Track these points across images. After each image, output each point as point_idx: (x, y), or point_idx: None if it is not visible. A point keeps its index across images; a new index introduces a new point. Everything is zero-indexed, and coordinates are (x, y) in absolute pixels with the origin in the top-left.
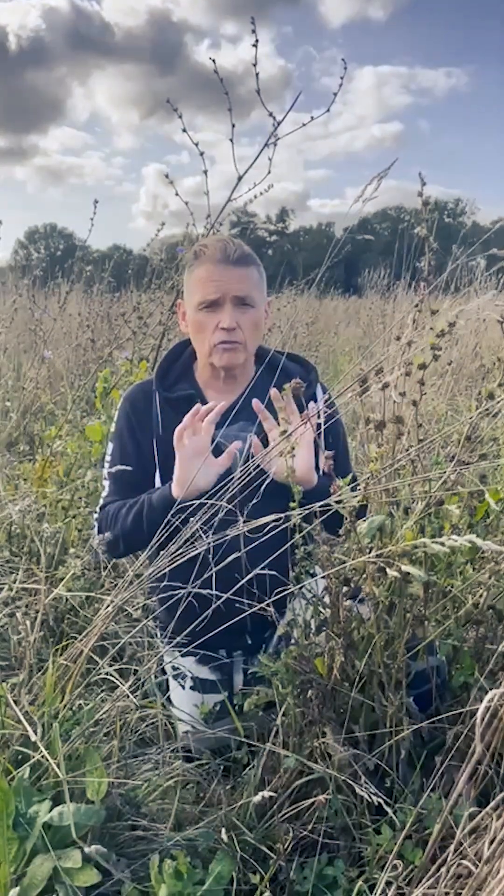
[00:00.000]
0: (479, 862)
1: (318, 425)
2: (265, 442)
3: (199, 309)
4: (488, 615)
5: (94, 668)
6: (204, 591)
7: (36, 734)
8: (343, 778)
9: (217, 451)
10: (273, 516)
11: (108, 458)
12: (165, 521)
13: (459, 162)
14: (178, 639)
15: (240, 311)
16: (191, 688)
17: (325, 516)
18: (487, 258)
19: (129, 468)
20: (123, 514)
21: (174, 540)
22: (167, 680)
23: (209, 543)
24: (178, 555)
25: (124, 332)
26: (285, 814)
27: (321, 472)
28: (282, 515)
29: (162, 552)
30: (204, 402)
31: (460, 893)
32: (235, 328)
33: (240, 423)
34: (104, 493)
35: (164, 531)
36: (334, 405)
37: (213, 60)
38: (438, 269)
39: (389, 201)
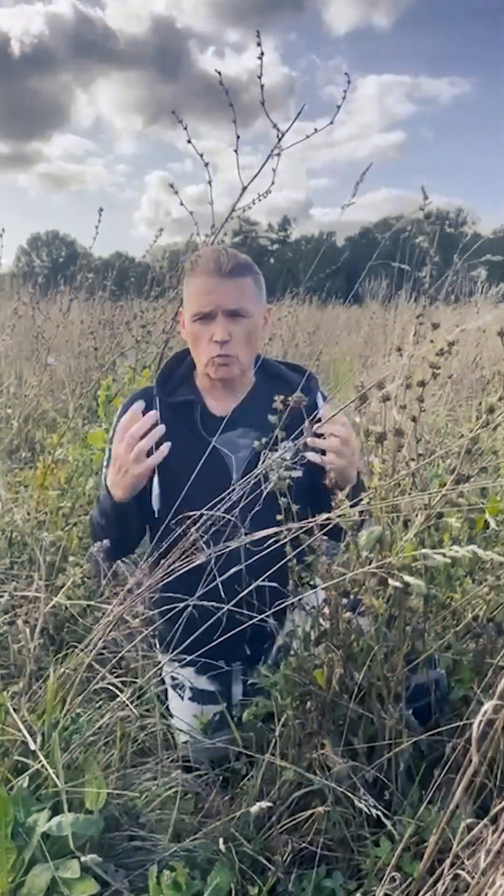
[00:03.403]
0: (476, 874)
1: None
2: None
3: (194, 320)
4: (488, 628)
5: (93, 677)
6: (204, 603)
7: (35, 743)
8: (342, 790)
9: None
10: (274, 529)
11: (105, 463)
12: (167, 525)
13: (462, 171)
14: (179, 649)
15: (232, 322)
16: (190, 698)
17: (326, 529)
18: (489, 268)
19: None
20: (91, 517)
21: (174, 550)
22: (166, 690)
23: (210, 554)
24: (179, 566)
25: (127, 340)
26: (284, 825)
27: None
28: (282, 529)
29: (162, 562)
30: (204, 408)
31: None
32: (228, 340)
33: (240, 429)
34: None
35: (165, 541)
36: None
37: (219, 73)
38: (439, 279)
39: (391, 210)
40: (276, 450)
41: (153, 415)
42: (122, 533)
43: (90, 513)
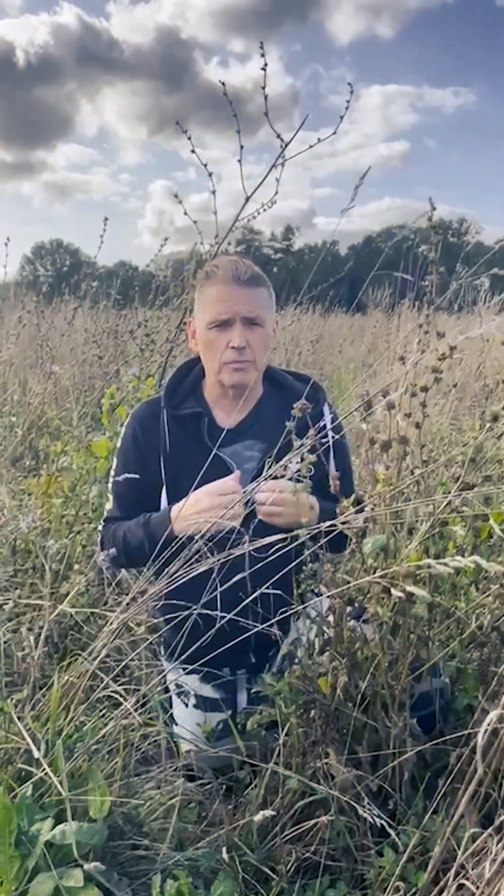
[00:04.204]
0: (481, 884)
1: (326, 443)
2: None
3: (210, 328)
4: (492, 637)
5: (97, 686)
6: (209, 612)
7: (39, 751)
8: (346, 799)
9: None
10: (278, 536)
11: (112, 473)
12: (170, 536)
13: (465, 181)
14: (183, 657)
15: (249, 330)
16: (194, 706)
17: (330, 536)
18: (491, 277)
19: (135, 476)
20: (125, 533)
21: (178, 558)
22: (170, 698)
23: (215, 562)
24: (183, 574)
25: (131, 349)
26: (287, 835)
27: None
28: (287, 535)
29: (166, 570)
30: (211, 420)
31: None
32: (245, 347)
33: (247, 441)
34: (108, 507)
35: (169, 549)
36: (341, 425)
37: (223, 83)
38: (442, 288)
39: (394, 219)
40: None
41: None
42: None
43: (106, 531)
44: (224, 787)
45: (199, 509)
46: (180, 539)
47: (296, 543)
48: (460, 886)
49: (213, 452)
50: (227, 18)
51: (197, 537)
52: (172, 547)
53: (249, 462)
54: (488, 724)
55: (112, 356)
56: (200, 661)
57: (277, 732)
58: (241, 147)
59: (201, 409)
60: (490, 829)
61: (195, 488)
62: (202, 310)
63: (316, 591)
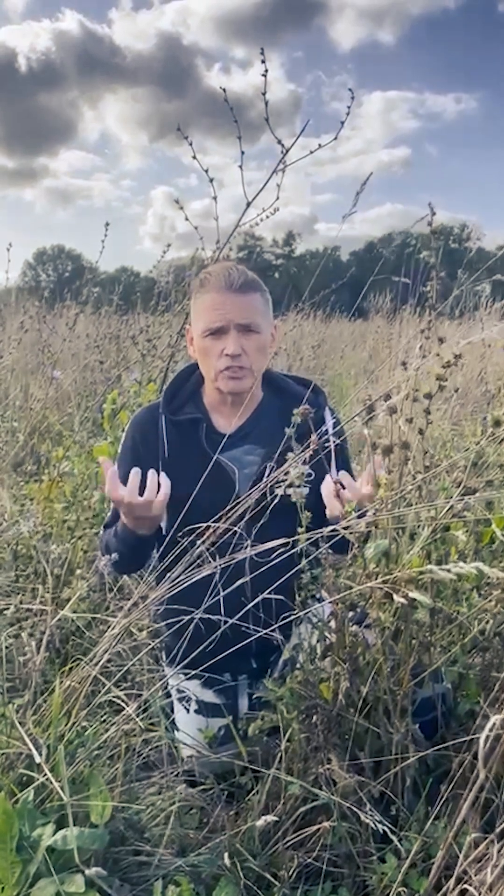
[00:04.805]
0: (483, 889)
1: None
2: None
3: (205, 336)
4: (494, 642)
5: (98, 691)
6: (210, 616)
7: (40, 756)
8: (348, 805)
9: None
10: (280, 540)
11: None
12: (173, 541)
13: (466, 187)
14: (185, 662)
15: (244, 337)
16: (195, 711)
17: (333, 541)
18: (492, 283)
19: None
20: (109, 538)
21: (180, 563)
22: (171, 703)
23: (216, 566)
24: (185, 579)
25: (133, 354)
26: (289, 840)
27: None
28: (289, 540)
29: (168, 574)
30: (210, 425)
31: None
32: (240, 354)
33: (246, 446)
34: (108, 514)
35: (171, 553)
36: (342, 430)
37: (224, 90)
38: (444, 294)
39: (396, 225)
40: (285, 461)
41: (136, 473)
42: (144, 555)
43: (102, 536)
44: (225, 792)
45: (126, 517)
46: (182, 544)
47: (298, 548)
48: (463, 892)
49: (213, 458)
50: (228, 25)
51: (199, 542)
52: (175, 551)
53: (249, 467)
54: (490, 730)
55: (114, 361)
56: (202, 667)
57: (279, 738)
58: (242, 153)
59: (200, 414)
60: (492, 835)
61: (194, 494)
62: (197, 318)
63: (317, 596)
